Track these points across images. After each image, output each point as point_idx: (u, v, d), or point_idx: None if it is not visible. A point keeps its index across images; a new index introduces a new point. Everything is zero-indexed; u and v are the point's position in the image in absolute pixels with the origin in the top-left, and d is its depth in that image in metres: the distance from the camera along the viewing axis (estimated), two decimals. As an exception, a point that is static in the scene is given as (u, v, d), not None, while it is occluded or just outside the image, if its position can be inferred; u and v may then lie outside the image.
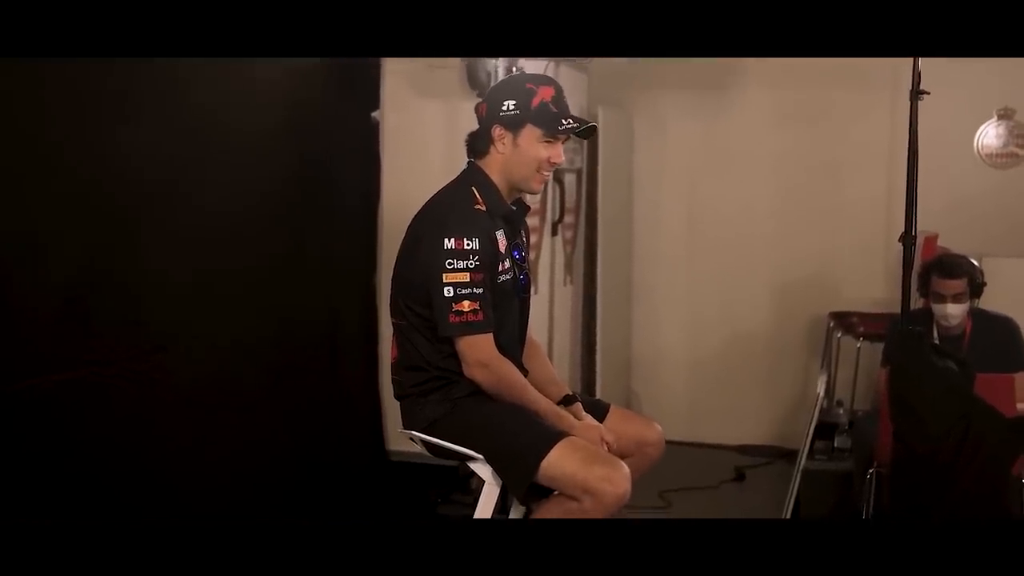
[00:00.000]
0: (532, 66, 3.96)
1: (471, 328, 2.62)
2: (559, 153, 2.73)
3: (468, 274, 2.60)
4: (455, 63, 4.05)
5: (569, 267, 4.95)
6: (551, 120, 2.70)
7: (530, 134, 2.70)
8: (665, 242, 5.59)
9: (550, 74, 4.16)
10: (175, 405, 3.14)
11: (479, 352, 2.64)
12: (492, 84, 2.77)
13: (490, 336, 2.66)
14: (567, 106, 2.75)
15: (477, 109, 2.79)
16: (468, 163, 2.80)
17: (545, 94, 2.70)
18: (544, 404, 2.72)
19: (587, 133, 2.75)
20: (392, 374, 2.85)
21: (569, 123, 2.70)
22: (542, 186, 2.84)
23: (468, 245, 2.61)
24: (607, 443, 2.71)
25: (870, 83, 4.99)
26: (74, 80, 2.79)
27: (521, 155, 2.71)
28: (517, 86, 2.74)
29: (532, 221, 4.40)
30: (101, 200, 2.95)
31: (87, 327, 2.87)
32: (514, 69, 3.88)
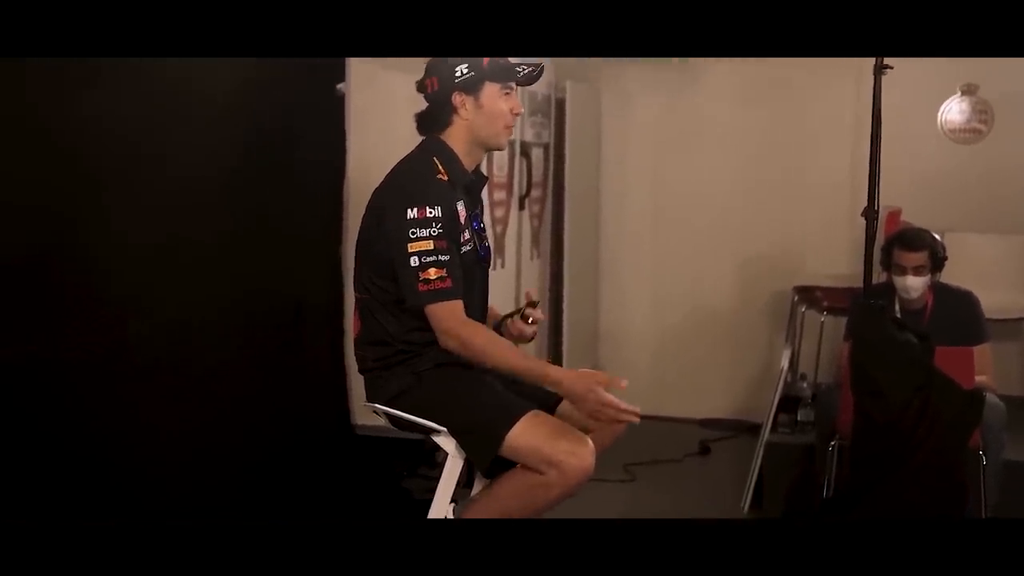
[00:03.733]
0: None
1: (440, 295, 2.61)
2: (518, 103, 2.79)
3: (432, 242, 2.60)
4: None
5: (536, 241, 4.95)
6: (507, 71, 2.74)
7: (490, 90, 2.73)
8: (632, 216, 5.60)
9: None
10: (134, 380, 3.10)
11: (450, 319, 2.62)
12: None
13: (459, 303, 2.64)
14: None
15: (424, 86, 2.76)
16: (426, 136, 2.79)
17: None
18: (528, 361, 2.66)
19: (539, 75, 2.81)
20: (355, 349, 2.83)
21: (524, 68, 2.76)
22: (508, 140, 2.88)
23: (431, 213, 2.60)
24: (603, 382, 2.56)
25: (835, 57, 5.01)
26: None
27: (486, 114, 2.73)
28: None
29: (499, 195, 4.39)
30: (61, 169, 2.89)
31: (43, 299, 2.83)
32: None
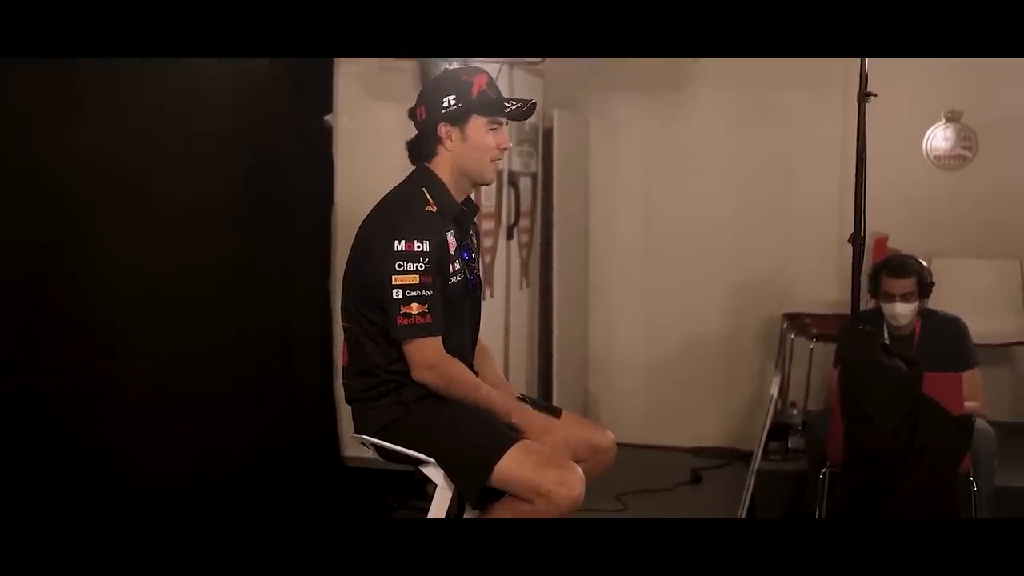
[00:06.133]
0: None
1: (419, 331, 2.61)
2: (506, 138, 2.76)
3: (417, 276, 2.59)
4: (408, 65, 4.03)
5: (525, 270, 4.94)
6: (495, 105, 2.72)
7: (477, 124, 2.71)
8: (621, 244, 5.61)
9: (504, 77, 4.16)
10: (125, 413, 3.09)
11: (427, 355, 2.63)
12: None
13: (438, 339, 2.65)
14: (500, 91, 2.78)
15: (414, 114, 2.77)
16: (416, 165, 2.80)
17: (481, 82, 2.72)
18: (499, 400, 2.71)
19: (530, 112, 2.78)
20: (343, 378, 2.83)
21: (512, 104, 2.74)
22: (495, 175, 2.85)
23: (418, 247, 2.60)
24: (556, 447, 2.68)
25: (821, 84, 5.05)
26: (30, 77, 2.74)
27: (471, 147, 2.72)
28: (453, 81, 2.74)
29: (487, 225, 4.40)
30: (52, 203, 2.90)
31: (33, 333, 2.82)
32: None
